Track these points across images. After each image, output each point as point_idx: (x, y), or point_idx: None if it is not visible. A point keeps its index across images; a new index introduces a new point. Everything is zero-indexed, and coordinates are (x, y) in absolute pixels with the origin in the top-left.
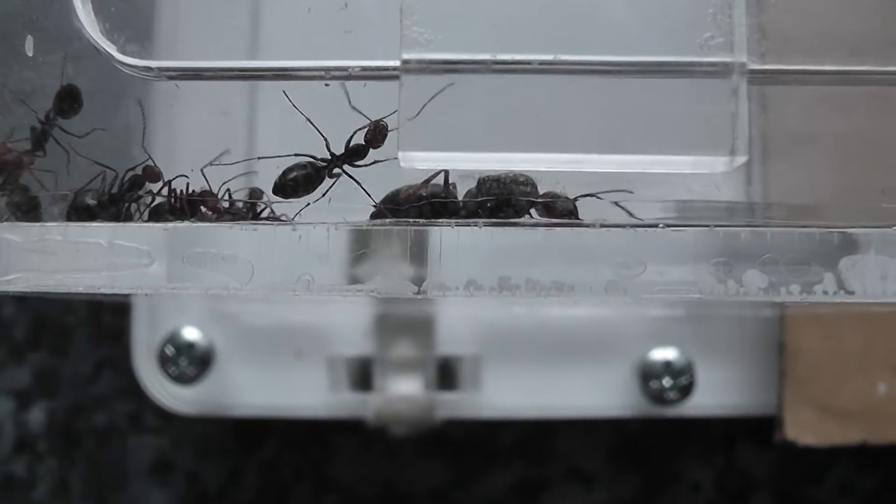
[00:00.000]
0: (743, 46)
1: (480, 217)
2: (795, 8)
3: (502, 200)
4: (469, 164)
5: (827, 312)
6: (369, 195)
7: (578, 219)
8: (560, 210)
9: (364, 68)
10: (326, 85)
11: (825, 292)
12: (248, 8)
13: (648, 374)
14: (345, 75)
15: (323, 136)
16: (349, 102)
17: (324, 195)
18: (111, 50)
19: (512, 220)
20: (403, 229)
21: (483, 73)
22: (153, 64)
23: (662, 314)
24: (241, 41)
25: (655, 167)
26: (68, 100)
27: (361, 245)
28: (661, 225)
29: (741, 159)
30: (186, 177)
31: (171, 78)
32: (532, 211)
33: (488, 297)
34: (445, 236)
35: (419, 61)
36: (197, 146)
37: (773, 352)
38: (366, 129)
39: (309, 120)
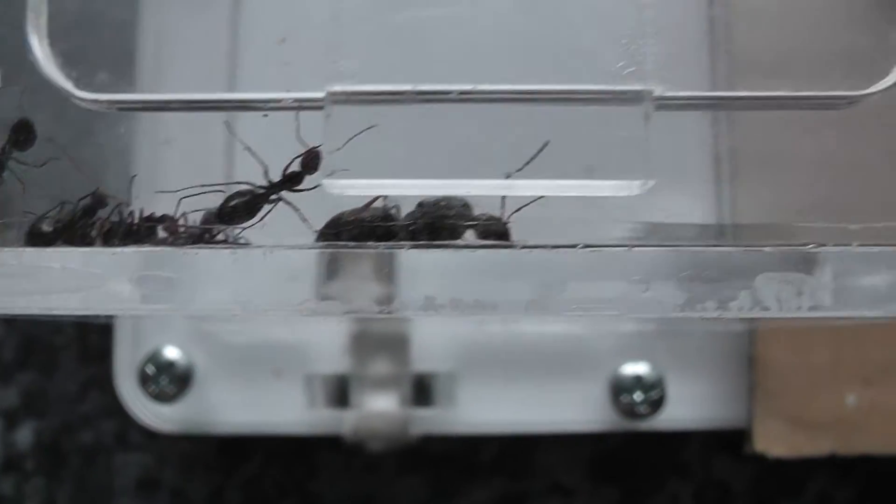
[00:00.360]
0: (654, 75)
1: (418, 240)
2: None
3: (431, 223)
4: (393, 190)
5: (796, 326)
6: (305, 220)
7: (510, 240)
8: (492, 232)
9: (296, 100)
10: (265, 115)
11: (741, 308)
12: (225, 45)
13: (620, 388)
14: (278, 107)
15: (262, 163)
16: (297, 133)
17: (261, 220)
18: (66, 84)
19: (438, 243)
20: (335, 252)
21: (405, 103)
22: (102, 97)
23: (634, 329)
24: (219, 75)
25: (572, 191)
26: (23, 132)
27: (296, 266)
28: (580, 245)
29: (651, 183)
30: (108, 196)
31: (120, 110)
32: (469, 233)
33: (412, 316)
34: (375, 259)
35: (343, 93)
36: (178, 175)
37: (744, 365)
38: (302, 157)
39: (248, 148)
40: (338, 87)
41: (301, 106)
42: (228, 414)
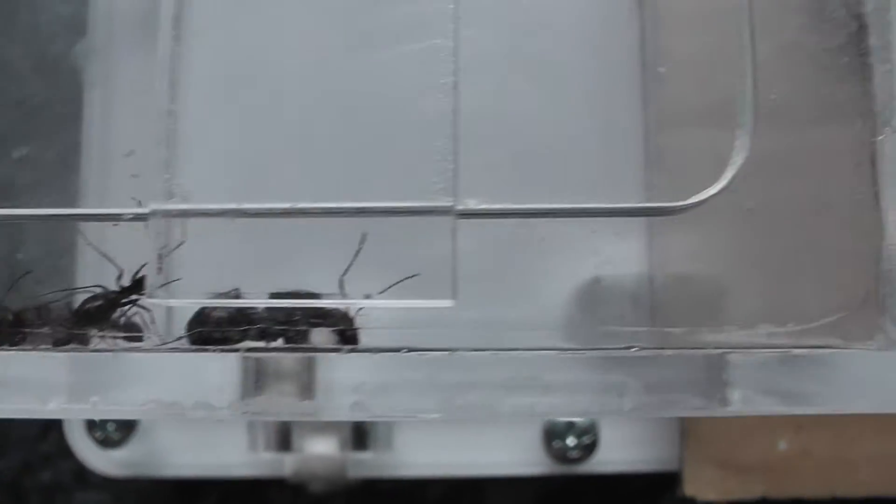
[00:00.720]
0: (460, 190)
1: (271, 339)
2: None
3: (266, 328)
4: (218, 305)
5: None
6: (154, 323)
7: (357, 341)
8: (340, 333)
9: (137, 215)
10: (115, 224)
11: (564, 411)
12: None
13: (552, 433)
14: (117, 219)
15: (118, 269)
16: (162, 246)
17: (115, 322)
18: None
19: (270, 346)
20: (178, 355)
21: (229, 218)
22: None
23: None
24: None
25: (387, 304)
26: None
27: (141, 368)
28: (404, 349)
29: (455, 300)
30: None
31: None
32: (327, 331)
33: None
34: (213, 361)
35: (167, 211)
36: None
37: None
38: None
39: (104, 255)
40: (160, 206)
41: (135, 219)
42: (174, 458)
